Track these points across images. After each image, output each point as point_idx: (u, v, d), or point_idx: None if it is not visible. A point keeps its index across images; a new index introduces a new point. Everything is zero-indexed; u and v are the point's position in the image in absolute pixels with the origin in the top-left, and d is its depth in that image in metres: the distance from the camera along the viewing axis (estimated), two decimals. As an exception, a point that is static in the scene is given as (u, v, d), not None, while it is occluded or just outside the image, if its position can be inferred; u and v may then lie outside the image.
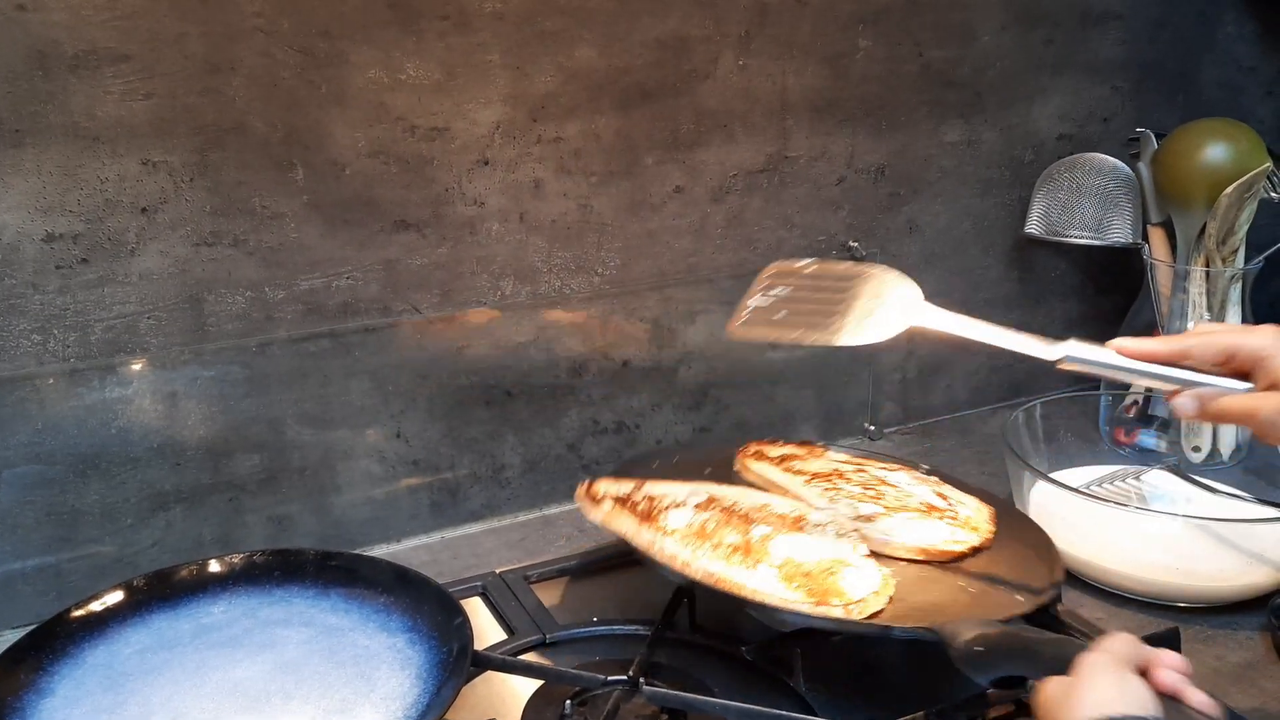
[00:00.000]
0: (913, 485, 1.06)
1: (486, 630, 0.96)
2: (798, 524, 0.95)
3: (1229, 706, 0.85)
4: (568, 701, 0.83)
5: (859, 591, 0.85)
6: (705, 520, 0.93)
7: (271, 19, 0.94)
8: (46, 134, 0.90)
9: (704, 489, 1.00)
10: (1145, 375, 0.77)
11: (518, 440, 1.16)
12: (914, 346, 1.35)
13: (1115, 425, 1.26)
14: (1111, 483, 1.14)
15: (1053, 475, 1.06)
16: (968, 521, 0.99)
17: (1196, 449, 1.23)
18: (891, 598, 0.86)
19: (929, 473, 1.09)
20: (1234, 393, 0.74)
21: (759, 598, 0.83)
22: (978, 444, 1.34)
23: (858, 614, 0.82)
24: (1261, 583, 0.98)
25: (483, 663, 0.85)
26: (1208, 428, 1.23)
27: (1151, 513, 1.07)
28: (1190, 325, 1.22)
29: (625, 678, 0.83)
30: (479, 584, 1.02)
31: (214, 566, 0.92)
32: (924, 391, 1.38)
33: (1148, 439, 1.24)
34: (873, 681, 0.89)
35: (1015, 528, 1.00)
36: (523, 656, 0.91)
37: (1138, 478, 1.15)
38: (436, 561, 1.09)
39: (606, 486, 0.96)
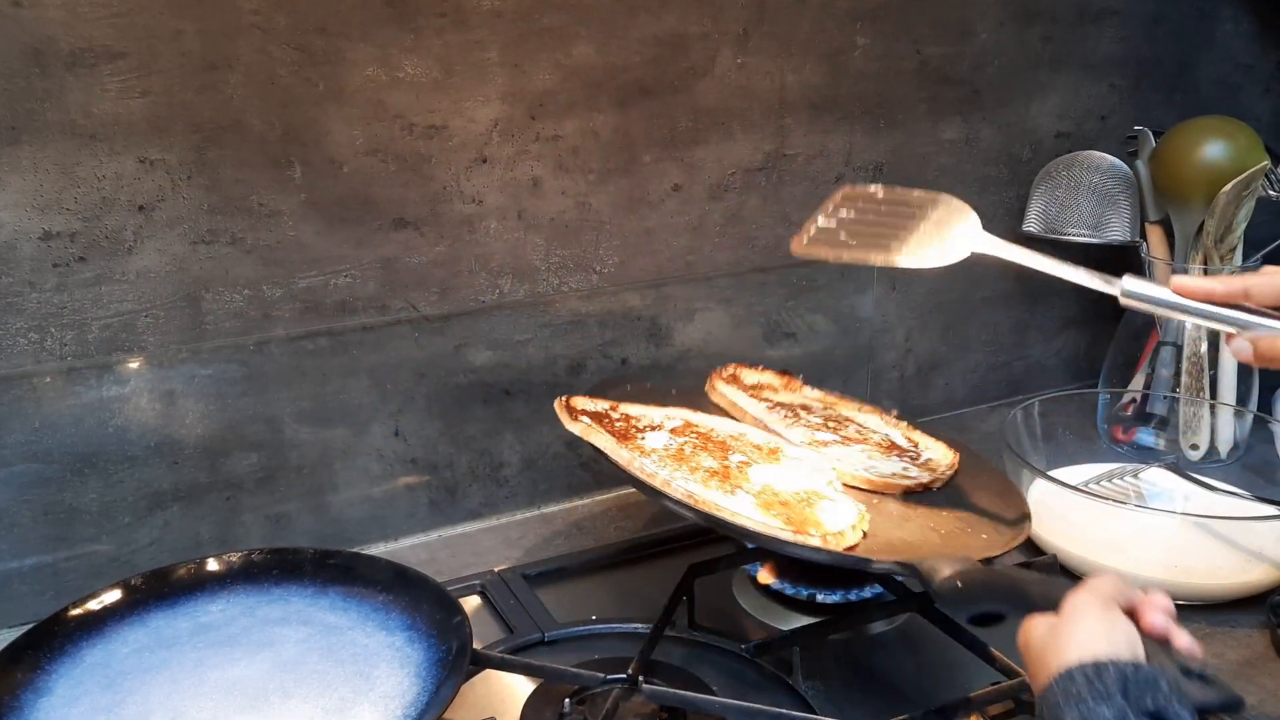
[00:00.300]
0: (880, 426, 1.07)
1: (485, 629, 0.96)
2: (773, 455, 0.95)
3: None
4: (567, 700, 0.83)
5: (837, 524, 0.85)
6: (682, 444, 0.93)
7: (268, 16, 0.94)
8: (43, 132, 0.89)
9: (680, 414, 1.00)
10: (1202, 314, 0.73)
11: (516, 438, 1.15)
12: (912, 344, 1.35)
13: (1113, 423, 1.26)
14: (1110, 480, 1.14)
15: (1051, 473, 1.06)
16: (928, 463, 1.00)
17: (1194, 446, 1.23)
18: (865, 533, 0.86)
19: (899, 418, 1.10)
20: None
21: (738, 520, 0.82)
22: (976, 442, 1.33)
23: (835, 545, 0.82)
24: (1260, 580, 0.98)
25: (482, 661, 0.85)
26: (1205, 424, 1.23)
27: (1150, 510, 1.07)
28: (1188, 325, 1.22)
29: (624, 676, 0.82)
30: (477, 582, 1.02)
31: (212, 565, 0.92)
32: (922, 389, 1.38)
33: (1146, 437, 1.24)
34: (871, 680, 0.89)
35: (980, 474, 1.01)
36: (521, 655, 0.91)
37: (1136, 475, 1.15)
38: (435, 560, 1.09)
39: (583, 403, 0.96)
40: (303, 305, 1.02)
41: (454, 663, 0.79)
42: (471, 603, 1.00)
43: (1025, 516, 0.93)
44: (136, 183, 0.94)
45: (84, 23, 0.89)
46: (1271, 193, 1.19)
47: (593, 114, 1.09)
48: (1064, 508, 1.03)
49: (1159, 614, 0.61)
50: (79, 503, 0.98)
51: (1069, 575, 1.00)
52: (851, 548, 0.83)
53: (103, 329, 0.96)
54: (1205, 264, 1.20)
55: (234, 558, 0.92)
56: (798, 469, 0.93)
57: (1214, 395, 1.24)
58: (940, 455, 1.03)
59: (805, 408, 1.07)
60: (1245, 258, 1.21)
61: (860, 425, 1.06)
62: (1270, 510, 1.04)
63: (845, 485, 0.94)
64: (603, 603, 1.00)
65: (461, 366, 1.10)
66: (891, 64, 1.22)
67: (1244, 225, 1.19)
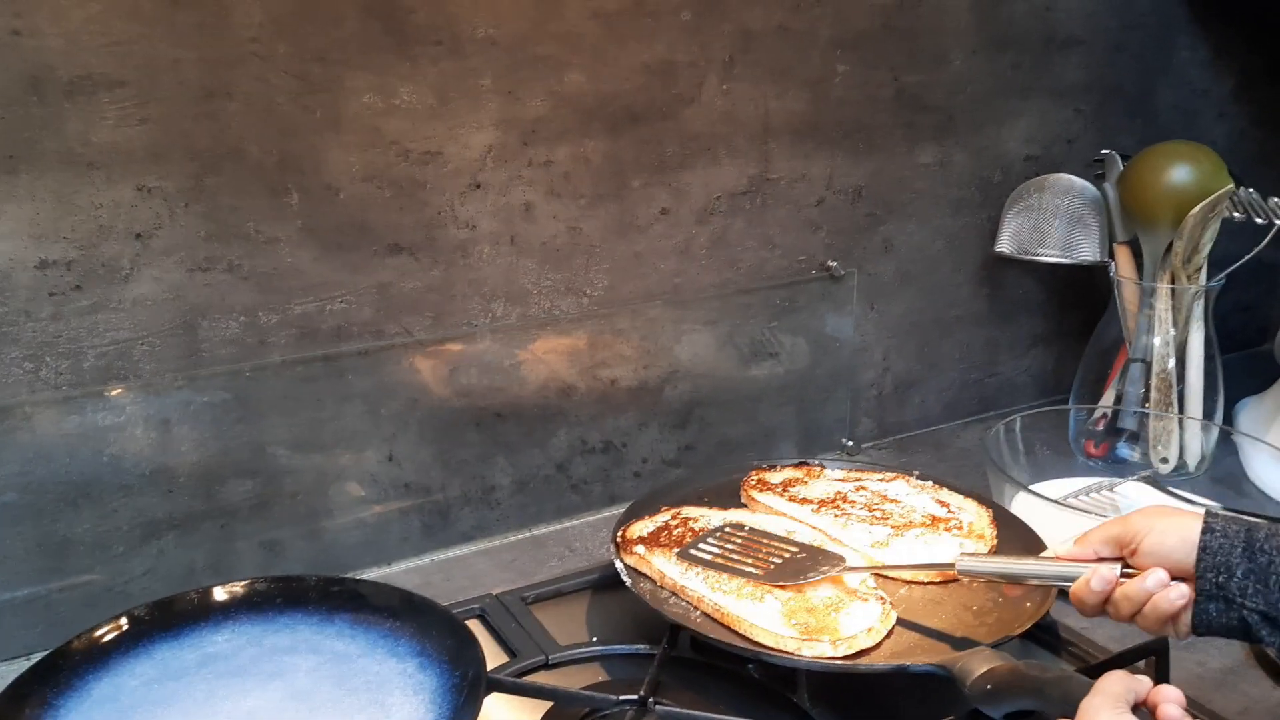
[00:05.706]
0: (912, 496, 1.09)
1: (487, 652, 0.96)
2: None
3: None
4: (578, 722, 0.84)
5: (851, 628, 0.87)
6: (728, 550, 0.96)
7: (267, 44, 0.94)
8: (41, 160, 0.89)
9: (737, 515, 1.04)
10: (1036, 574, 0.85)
11: (507, 461, 1.16)
12: (889, 363, 1.38)
13: (1085, 438, 1.30)
14: (1088, 494, 1.17)
15: (1032, 488, 1.09)
16: (971, 529, 1.02)
17: (1164, 460, 1.27)
18: (892, 630, 0.89)
19: (922, 478, 1.12)
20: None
21: (753, 634, 0.86)
22: (952, 457, 1.37)
23: (843, 650, 0.85)
24: (1237, 590, 1.02)
25: (495, 686, 0.85)
26: (1174, 439, 1.27)
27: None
28: (1155, 340, 1.26)
29: (636, 697, 0.84)
30: (476, 606, 1.02)
31: (216, 595, 0.91)
32: (899, 407, 1.41)
33: (1123, 450, 1.28)
34: (877, 698, 0.91)
35: (1011, 530, 1.03)
36: (528, 678, 0.91)
37: (1112, 489, 1.19)
38: (429, 584, 1.09)
39: (638, 528, 1.01)
40: (299, 331, 1.02)
41: (470, 689, 0.80)
42: (472, 626, 1.00)
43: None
44: (134, 211, 0.93)
45: (83, 51, 0.88)
46: (1236, 214, 1.24)
47: (584, 140, 1.10)
48: (1045, 521, 1.05)
49: (1174, 706, 0.65)
50: (72, 533, 0.97)
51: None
52: (865, 651, 0.85)
53: (98, 357, 0.95)
54: (1173, 282, 1.25)
55: (238, 587, 0.92)
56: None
57: (1181, 410, 1.28)
58: (976, 515, 1.05)
59: (843, 498, 1.08)
60: (1209, 277, 1.26)
61: (897, 502, 1.08)
62: (1243, 522, 1.08)
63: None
64: (602, 624, 1.01)
65: (454, 390, 1.11)
66: (870, 91, 1.25)
67: (1210, 246, 1.23)
